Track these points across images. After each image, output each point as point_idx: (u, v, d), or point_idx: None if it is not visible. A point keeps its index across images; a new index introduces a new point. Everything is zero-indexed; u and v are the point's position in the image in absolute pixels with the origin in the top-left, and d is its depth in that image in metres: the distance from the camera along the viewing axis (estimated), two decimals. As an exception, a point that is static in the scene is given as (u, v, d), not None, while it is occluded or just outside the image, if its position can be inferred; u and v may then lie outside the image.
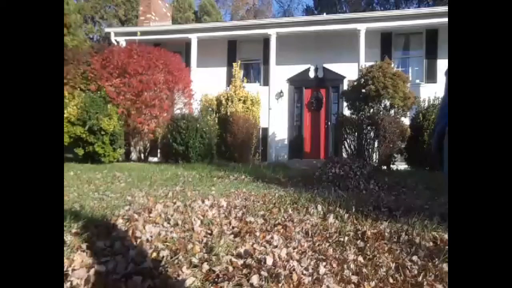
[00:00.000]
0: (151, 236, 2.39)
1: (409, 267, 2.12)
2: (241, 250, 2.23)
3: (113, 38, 11.99)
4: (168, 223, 2.84)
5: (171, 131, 8.70)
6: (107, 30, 12.97)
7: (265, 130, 11.14)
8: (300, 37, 11.29)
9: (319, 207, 3.53)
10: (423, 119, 7.87)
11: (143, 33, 11.49)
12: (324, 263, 2.12)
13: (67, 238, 2.23)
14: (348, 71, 10.71)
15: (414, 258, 2.26)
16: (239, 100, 10.53)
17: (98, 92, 8.61)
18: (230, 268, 1.96)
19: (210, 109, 10.49)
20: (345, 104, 9.10)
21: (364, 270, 2.04)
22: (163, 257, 2.08)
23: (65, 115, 7.79)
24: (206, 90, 11.06)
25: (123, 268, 1.88)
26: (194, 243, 2.31)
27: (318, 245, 2.47)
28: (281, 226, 2.87)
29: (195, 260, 2.04)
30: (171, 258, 2.07)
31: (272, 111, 10.99)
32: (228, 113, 10.07)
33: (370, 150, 7.77)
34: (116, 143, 8.33)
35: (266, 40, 11.35)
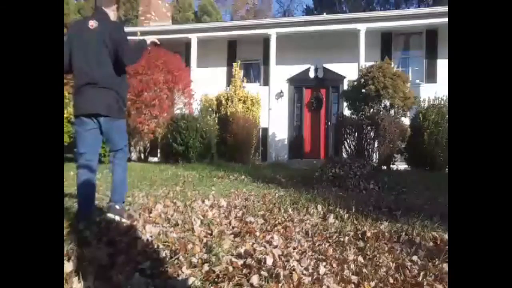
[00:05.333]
0: (151, 236, 2.39)
1: (409, 267, 2.12)
2: (241, 250, 2.23)
3: (113, 38, 11.98)
4: (168, 223, 2.84)
5: (171, 131, 8.70)
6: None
7: (265, 130, 11.14)
8: (300, 37, 11.28)
9: (319, 207, 3.52)
10: (423, 119, 7.86)
11: (143, 33, 11.48)
12: (324, 263, 2.12)
13: (67, 238, 2.23)
14: (348, 71, 10.70)
15: (414, 258, 2.26)
16: (239, 100, 10.53)
17: (98, 92, 8.59)
18: (230, 268, 1.96)
19: (210, 109, 10.49)
20: (345, 104, 9.10)
21: (364, 270, 2.04)
22: (163, 257, 2.08)
23: (65, 115, 7.78)
24: (206, 90, 11.06)
25: (123, 268, 1.88)
26: (194, 243, 2.31)
27: (318, 245, 2.47)
28: (281, 226, 2.87)
29: (195, 260, 2.04)
30: (171, 258, 2.07)
31: (272, 111, 10.98)
32: (228, 113, 10.07)
33: (370, 150, 7.77)
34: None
35: (266, 40, 11.34)
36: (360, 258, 2.21)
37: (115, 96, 2.67)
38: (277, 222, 3.00)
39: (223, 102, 10.58)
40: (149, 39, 2.92)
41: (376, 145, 7.74)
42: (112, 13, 2.80)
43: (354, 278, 1.94)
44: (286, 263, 2.07)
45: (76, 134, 2.76)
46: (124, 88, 2.86)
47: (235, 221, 2.98)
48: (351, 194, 4.70)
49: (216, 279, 1.86)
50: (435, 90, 8.50)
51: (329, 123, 11.26)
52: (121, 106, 2.74)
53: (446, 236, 2.65)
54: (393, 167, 7.96)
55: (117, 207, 2.76)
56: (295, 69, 11.56)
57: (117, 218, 2.61)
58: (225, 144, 9.50)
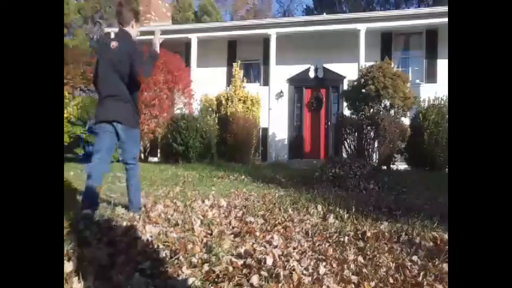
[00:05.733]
0: (151, 236, 2.39)
1: (409, 267, 2.12)
2: (241, 250, 2.23)
3: (113, 38, 11.98)
4: (168, 223, 2.84)
5: (171, 131, 8.70)
6: (107, 30, 12.97)
7: (265, 130, 11.14)
8: (300, 37, 11.28)
9: (319, 207, 3.53)
10: (423, 119, 7.86)
11: (143, 33, 11.46)
12: (324, 263, 2.12)
13: (67, 238, 2.23)
14: (348, 71, 10.70)
15: (414, 258, 2.26)
16: (239, 100, 10.53)
17: (98, 92, 8.60)
18: (230, 268, 1.96)
19: (210, 109, 10.49)
20: (345, 104, 9.10)
21: (364, 270, 2.04)
22: (163, 257, 2.08)
23: (65, 115, 7.78)
24: (206, 90, 11.05)
25: (123, 268, 1.88)
26: (194, 243, 2.31)
27: (318, 245, 2.47)
28: (281, 226, 2.87)
29: (195, 260, 2.04)
30: (171, 258, 2.07)
31: (272, 111, 10.98)
32: (228, 113, 10.07)
33: (370, 150, 7.77)
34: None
35: (266, 40, 11.34)
36: (360, 258, 2.21)
37: (132, 108, 3.08)
38: (277, 222, 3.00)
39: (223, 102, 10.57)
40: (158, 31, 3.28)
41: (376, 145, 7.74)
42: (132, 30, 3.12)
43: (354, 278, 1.94)
44: (286, 263, 2.07)
45: (96, 137, 3.16)
46: (137, 101, 3.23)
47: (235, 221, 2.98)
48: (351, 194, 4.70)
49: (216, 279, 1.86)
50: (435, 90, 8.50)
51: (329, 123, 11.26)
52: (136, 117, 3.15)
53: (446, 236, 2.65)
54: (393, 167, 7.96)
55: (137, 216, 3.00)
56: (295, 69, 11.56)
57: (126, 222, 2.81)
58: (225, 144, 9.50)
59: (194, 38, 11.46)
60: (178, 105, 10.08)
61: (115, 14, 3.25)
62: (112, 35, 3.03)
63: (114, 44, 2.99)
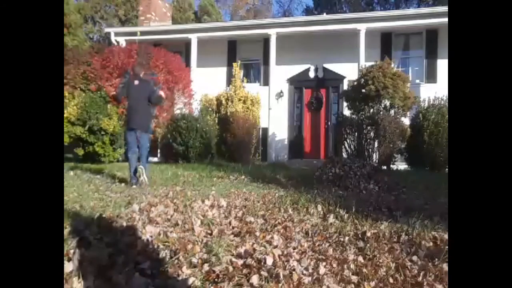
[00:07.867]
0: (151, 236, 2.39)
1: (409, 267, 2.12)
2: (241, 250, 2.23)
3: (113, 38, 11.99)
4: (168, 223, 2.84)
5: (171, 131, 8.70)
6: (107, 30, 12.97)
7: (265, 130, 11.13)
8: (300, 37, 11.28)
9: (319, 207, 3.52)
10: (423, 119, 7.86)
11: (143, 33, 11.48)
12: (324, 263, 2.12)
13: (67, 238, 2.23)
14: (348, 71, 10.69)
15: (414, 258, 2.26)
16: (239, 100, 10.52)
17: (98, 92, 8.61)
18: (230, 268, 1.96)
19: (210, 109, 10.49)
20: (345, 104, 9.10)
21: (364, 270, 2.04)
22: (163, 257, 2.08)
23: (65, 115, 7.78)
24: (206, 90, 11.05)
25: (124, 268, 1.88)
26: (194, 243, 2.31)
27: (318, 245, 2.47)
28: (281, 226, 2.87)
29: (195, 260, 2.04)
30: (171, 258, 2.07)
31: (272, 111, 10.97)
32: (228, 113, 10.06)
33: (370, 150, 7.77)
34: (116, 143, 8.33)
35: (266, 40, 11.33)
36: (360, 258, 2.21)
37: (147, 119, 5.37)
38: (277, 222, 3.00)
39: (223, 102, 10.57)
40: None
41: (376, 145, 7.74)
42: (142, 74, 5.51)
43: (354, 278, 1.94)
44: (286, 263, 2.07)
45: (127, 137, 5.37)
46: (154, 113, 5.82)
47: (235, 221, 2.98)
48: (351, 194, 4.70)
49: (216, 279, 1.86)
50: (435, 90, 8.50)
51: (329, 123, 11.26)
52: (149, 125, 5.41)
53: (446, 236, 2.65)
54: (393, 167, 7.96)
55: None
56: (295, 69, 11.55)
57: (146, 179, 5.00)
58: (225, 144, 9.50)
59: (194, 38, 11.45)
60: (178, 105, 10.08)
61: (132, 68, 5.65)
62: (136, 82, 5.29)
63: (137, 82, 5.25)
